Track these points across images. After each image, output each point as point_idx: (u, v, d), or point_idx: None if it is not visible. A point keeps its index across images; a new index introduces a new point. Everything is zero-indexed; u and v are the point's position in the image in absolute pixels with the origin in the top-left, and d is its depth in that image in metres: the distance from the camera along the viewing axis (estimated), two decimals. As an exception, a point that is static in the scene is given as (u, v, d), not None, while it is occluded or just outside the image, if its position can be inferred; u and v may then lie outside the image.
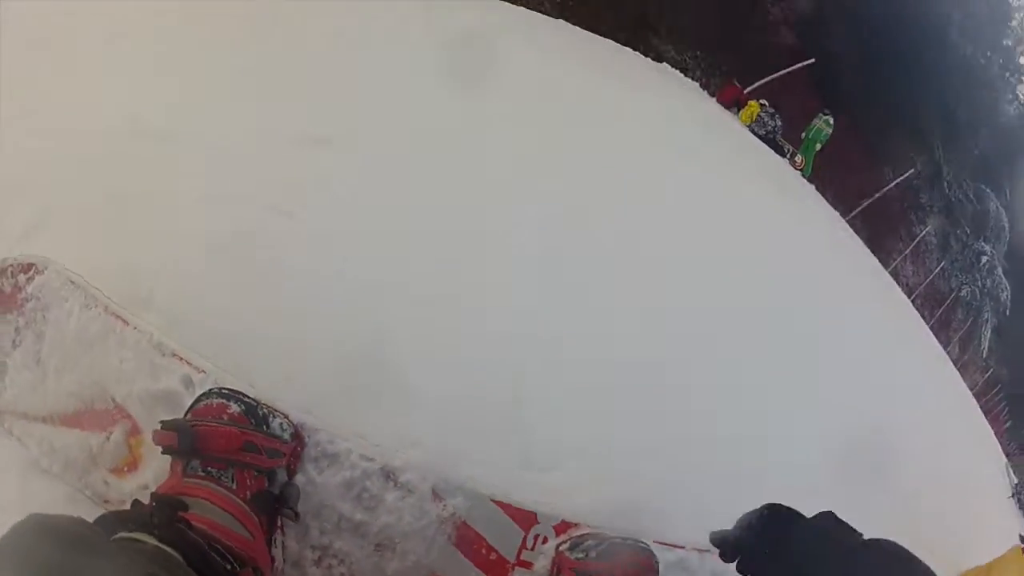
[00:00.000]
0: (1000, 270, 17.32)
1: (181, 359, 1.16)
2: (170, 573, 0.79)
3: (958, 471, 3.81)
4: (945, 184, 15.09)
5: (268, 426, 1.08)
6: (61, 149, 1.67)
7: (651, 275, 2.07)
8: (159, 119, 1.77)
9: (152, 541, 0.81)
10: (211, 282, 1.40)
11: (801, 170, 7.29)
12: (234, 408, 1.07)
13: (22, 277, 1.28)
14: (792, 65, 8.23)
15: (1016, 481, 5.46)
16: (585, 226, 2.09)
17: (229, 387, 1.11)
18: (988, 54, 19.07)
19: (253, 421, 1.07)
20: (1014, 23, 20.42)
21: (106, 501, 1.18)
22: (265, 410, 1.09)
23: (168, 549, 0.81)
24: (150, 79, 1.95)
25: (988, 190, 17.59)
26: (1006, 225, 18.23)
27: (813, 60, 8.50)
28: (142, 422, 1.15)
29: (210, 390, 1.11)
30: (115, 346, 1.19)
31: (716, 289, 2.28)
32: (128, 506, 0.95)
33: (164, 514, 0.86)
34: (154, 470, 1.12)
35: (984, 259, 15.94)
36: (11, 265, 1.29)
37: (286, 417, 1.11)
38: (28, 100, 1.76)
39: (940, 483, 3.02)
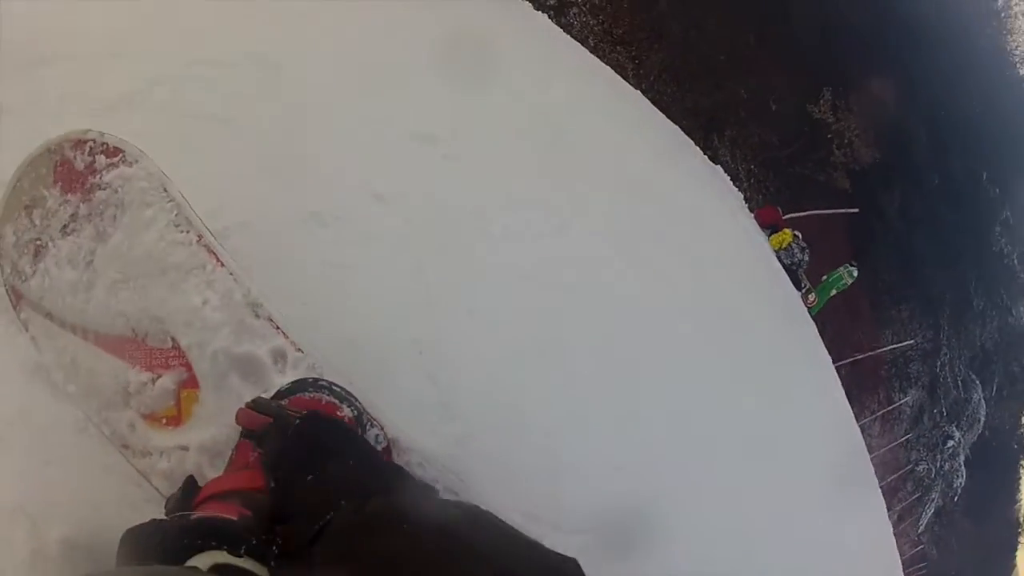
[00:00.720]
0: (962, 458, 17.61)
1: (278, 328, 1.01)
2: None
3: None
4: (939, 363, 15.42)
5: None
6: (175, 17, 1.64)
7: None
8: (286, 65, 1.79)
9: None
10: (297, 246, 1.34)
11: (810, 308, 7.54)
12: (346, 412, 0.95)
13: (103, 159, 1.06)
14: (838, 208, 8.55)
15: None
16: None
17: (339, 384, 0.98)
18: None
19: (360, 431, 0.96)
20: None
21: (125, 446, 1.02)
22: (367, 418, 0.98)
23: None
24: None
25: (977, 382, 17.89)
26: (982, 419, 18.56)
27: (858, 210, 8.84)
28: (204, 379, 1.00)
29: (316, 381, 0.98)
30: (199, 285, 1.01)
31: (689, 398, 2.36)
32: (154, 460, 0.92)
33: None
34: (201, 435, 0.97)
35: (950, 443, 16.22)
36: (94, 139, 1.07)
37: (382, 429, 0.99)
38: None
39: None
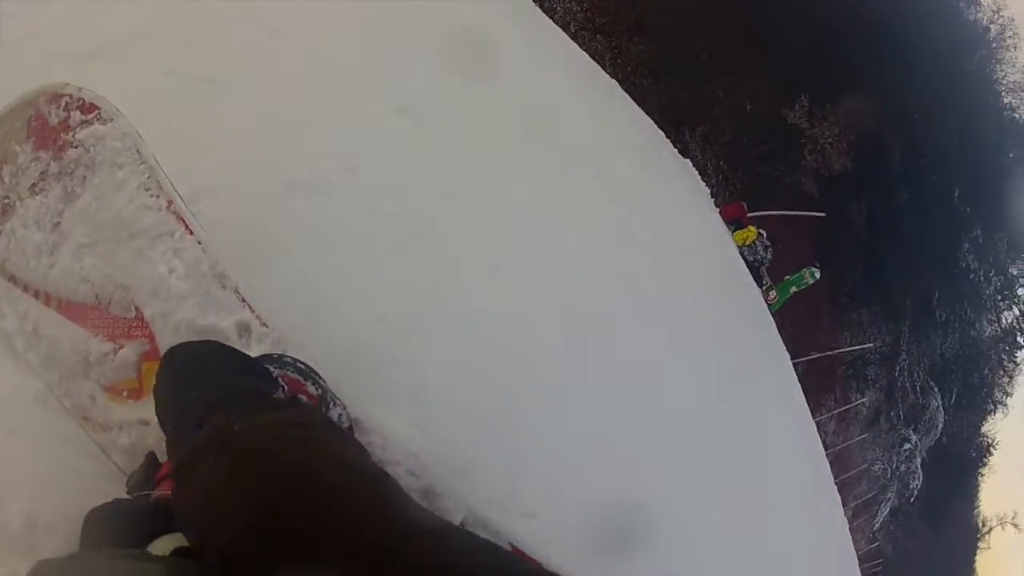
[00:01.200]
0: (919, 461, 18.09)
1: (244, 301, 0.98)
2: None
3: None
4: (897, 368, 15.82)
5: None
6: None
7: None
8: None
9: None
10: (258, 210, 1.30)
11: (771, 304, 7.75)
12: (311, 390, 0.93)
13: (77, 116, 1.02)
14: (804, 211, 8.77)
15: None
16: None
17: (304, 361, 0.96)
18: (991, 274, 19.72)
19: (324, 410, 0.94)
20: None
21: (85, 419, 0.99)
22: (330, 397, 0.96)
23: None
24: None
25: (936, 389, 18.33)
26: (940, 425, 19.07)
27: (824, 215, 9.07)
28: (166, 350, 0.93)
29: (280, 357, 0.95)
30: (166, 252, 0.97)
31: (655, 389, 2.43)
32: (114, 434, 0.90)
33: None
34: None
35: (907, 446, 16.69)
36: (70, 95, 1.03)
37: (345, 409, 0.98)
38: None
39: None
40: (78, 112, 1.02)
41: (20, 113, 1.06)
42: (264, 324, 0.97)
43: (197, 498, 0.65)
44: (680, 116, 8.96)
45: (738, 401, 3.43)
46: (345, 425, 0.95)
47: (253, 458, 0.66)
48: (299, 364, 0.95)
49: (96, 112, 1.02)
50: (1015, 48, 19.35)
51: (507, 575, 0.62)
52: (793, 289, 8.10)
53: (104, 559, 0.66)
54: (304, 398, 0.91)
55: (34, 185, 1.03)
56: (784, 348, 7.17)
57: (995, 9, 19.02)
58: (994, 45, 19.18)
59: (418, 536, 0.60)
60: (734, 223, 7.34)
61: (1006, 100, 19.80)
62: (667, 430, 2.30)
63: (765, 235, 7.63)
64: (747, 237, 7.44)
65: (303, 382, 0.93)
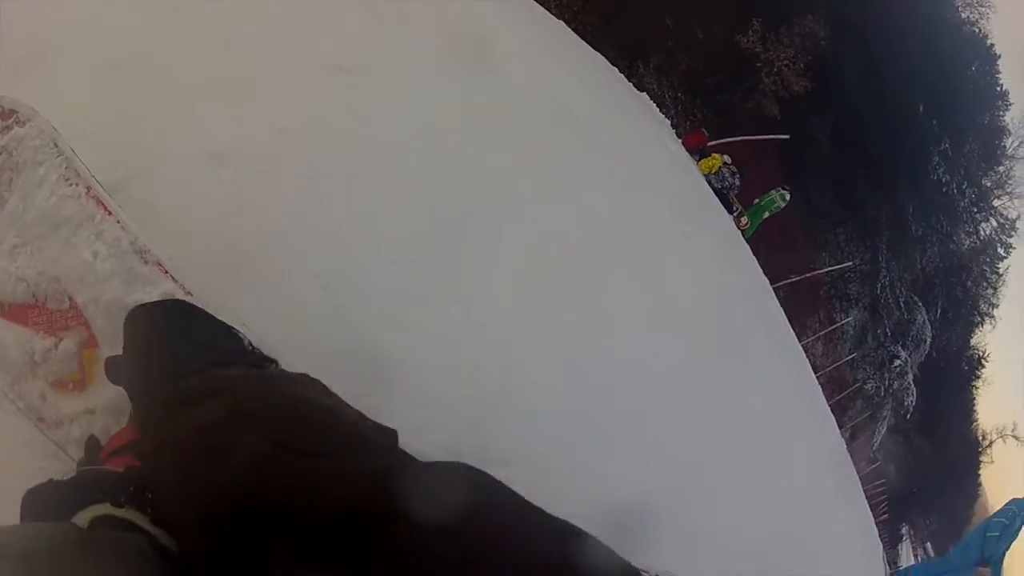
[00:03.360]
0: (911, 377, 18.55)
1: (166, 272, 1.00)
2: None
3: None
4: (879, 285, 16.13)
5: None
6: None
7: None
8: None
9: (147, 526, 0.71)
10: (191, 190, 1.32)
11: (744, 231, 7.82)
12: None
13: None
14: (767, 135, 8.80)
15: (889, 572, 6.09)
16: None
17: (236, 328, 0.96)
18: (964, 187, 19.98)
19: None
20: (1000, 168, 21.49)
21: (40, 419, 1.02)
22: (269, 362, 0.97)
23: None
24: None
25: (920, 304, 18.79)
26: (928, 340, 19.55)
27: (788, 136, 9.12)
28: (101, 336, 0.99)
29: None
30: (89, 237, 1.00)
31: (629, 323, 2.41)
32: (66, 429, 0.91)
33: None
34: (105, 395, 0.97)
35: (897, 362, 17.14)
36: None
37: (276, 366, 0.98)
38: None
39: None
40: (-1, 119, 1.05)
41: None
42: (188, 292, 1.00)
43: (189, 441, 0.65)
44: (632, 51, 8.90)
45: (715, 331, 3.46)
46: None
47: (257, 400, 0.68)
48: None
49: (15, 116, 1.06)
50: (971, -39, 19.04)
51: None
52: (765, 214, 8.14)
53: (22, 530, 0.66)
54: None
55: (-33, 196, 1.05)
56: (761, 272, 7.27)
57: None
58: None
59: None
60: (698, 152, 7.37)
61: (964, 15, 19.91)
62: (641, 365, 2.29)
63: (731, 161, 7.66)
64: (713, 165, 7.48)
65: None
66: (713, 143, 7.58)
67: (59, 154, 1.03)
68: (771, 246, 8.52)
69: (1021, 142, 21.40)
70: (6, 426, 1.01)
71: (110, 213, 1.01)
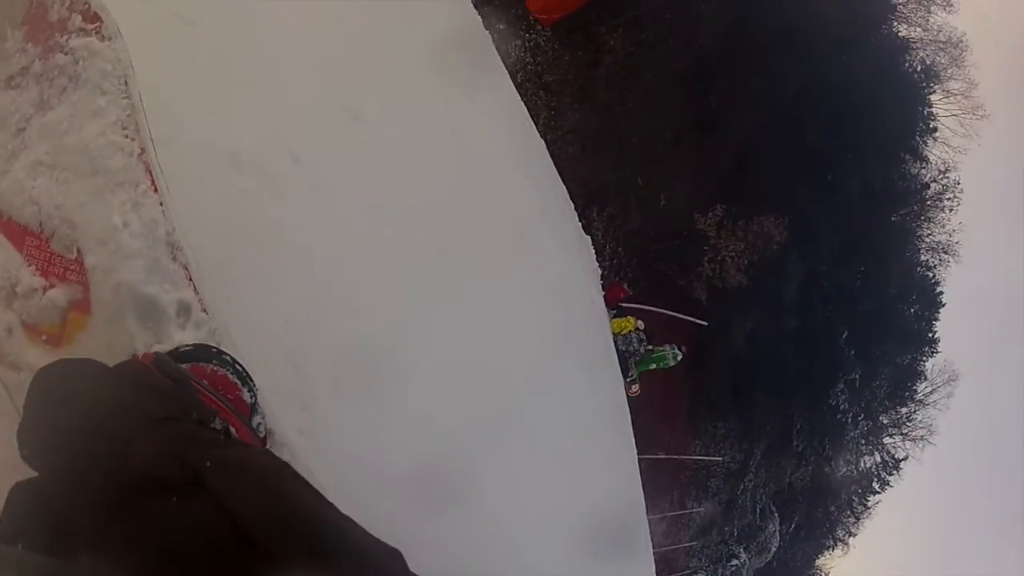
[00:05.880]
0: (745, 579, 19.04)
1: (191, 280, 0.95)
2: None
3: None
4: (741, 487, 16.86)
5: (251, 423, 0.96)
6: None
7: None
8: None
9: None
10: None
11: (631, 398, 8.00)
12: (246, 397, 0.94)
13: (78, 20, 0.97)
14: (688, 315, 9.29)
15: None
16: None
17: (241, 364, 0.95)
18: (860, 418, 20.82)
19: (250, 415, 0.96)
20: (903, 410, 22.40)
21: None
22: (258, 406, 0.98)
23: None
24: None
25: (776, 515, 19.57)
26: (773, 549, 20.25)
27: (707, 324, 9.67)
28: (98, 308, 0.92)
29: (220, 353, 0.94)
30: (125, 203, 0.93)
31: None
32: (23, 376, 0.86)
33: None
34: None
35: (735, 562, 17.68)
36: None
37: (264, 418, 0.99)
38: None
39: None
40: (79, 17, 0.97)
41: (23, -8, 0.96)
42: (205, 310, 0.95)
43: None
44: (593, 193, 9.37)
45: (573, 471, 3.56)
46: (262, 435, 0.97)
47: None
48: (237, 366, 0.95)
49: (98, 24, 0.97)
50: (950, 211, 20.18)
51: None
52: (653, 365, 8.24)
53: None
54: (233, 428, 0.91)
55: (11, 78, 0.98)
56: (632, 440, 7.42)
57: (942, 169, 19.90)
58: (929, 203, 19.94)
59: None
60: (614, 308, 7.62)
61: (923, 258, 20.86)
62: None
63: (643, 328, 7.93)
64: (625, 326, 7.74)
65: (240, 387, 0.93)
66: (631, 304, 7.87)
67: (126, 95, 0.95)
68: (651, 419, 8.79)
69: (934, 390, 22.42)
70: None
71: (156, 190, 0.93)
